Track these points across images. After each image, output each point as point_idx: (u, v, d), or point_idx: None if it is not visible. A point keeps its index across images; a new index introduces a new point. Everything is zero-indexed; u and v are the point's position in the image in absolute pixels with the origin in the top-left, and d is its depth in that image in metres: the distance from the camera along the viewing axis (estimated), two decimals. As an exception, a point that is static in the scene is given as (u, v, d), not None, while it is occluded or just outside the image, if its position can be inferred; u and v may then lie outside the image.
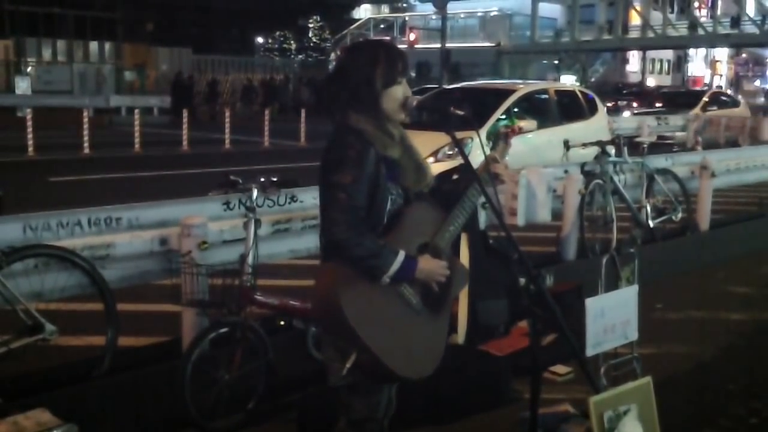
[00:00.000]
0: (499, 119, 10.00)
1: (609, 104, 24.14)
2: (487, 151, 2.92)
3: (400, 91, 2.66)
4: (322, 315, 2.60)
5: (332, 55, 51.19)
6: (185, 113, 19.51)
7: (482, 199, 2.82)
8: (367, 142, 2.58)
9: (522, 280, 2.93)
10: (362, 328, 2.48)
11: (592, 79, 48.43)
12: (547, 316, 2.67)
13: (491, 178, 2.86)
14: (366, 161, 2.55)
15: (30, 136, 15.96)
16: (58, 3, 41.26)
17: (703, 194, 8.66)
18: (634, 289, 3.76)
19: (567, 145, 7.98)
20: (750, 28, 44.31)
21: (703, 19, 48.04)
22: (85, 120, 17.15)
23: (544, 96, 11.37)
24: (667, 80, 58.54)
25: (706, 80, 62.49)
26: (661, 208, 8.14)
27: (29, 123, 16.18)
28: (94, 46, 41.57)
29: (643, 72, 55.41)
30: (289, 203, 5.20)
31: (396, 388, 2.91)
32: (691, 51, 59.02)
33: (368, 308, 2.53)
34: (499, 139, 3.03)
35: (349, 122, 2.62)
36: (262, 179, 4.34)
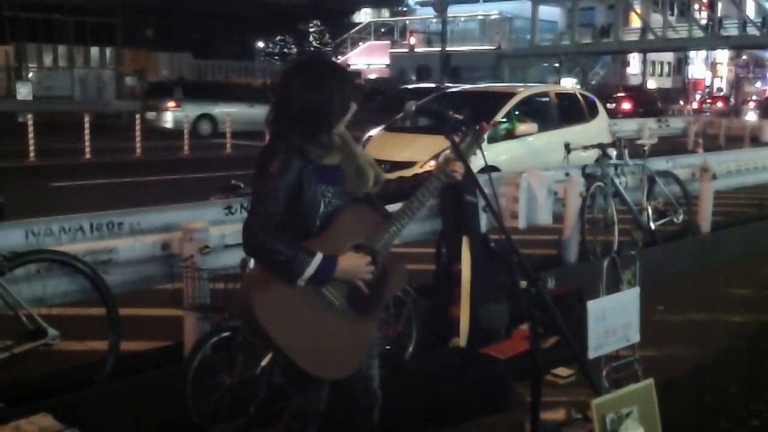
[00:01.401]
0: (499, 122, 10.01)
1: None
2: (486, 154, 2.93)
3: (349, 113, 2.69)
4: (240, 316, 2.69)
5: (332, 59, 51.23)
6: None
7: (482, 203, 2.83)
8: (293, 153, 2.61)
9: (523, 283, 2.92)
10: (275, 329, 2.53)
11: (593, 82, 48.45)
12: (548, 319, 2.67)
13: (446, 176, 2.85)
14: (287, 169, 2.58)
15: (31, 141, 15.98)
16: (59, 9, 41.28)
17: (704, 196, 8.67)
18: (636, 291, 3.76)
19: (568, 148, 7.99)
20: (750, 30, 44.33)
21: (702, 22, 48.04)
22: (86, 125, 17.17)
23: (544, 99, 11.38)
24: (667, 82, 58.59)
25: (707, 82, 62.55)
26: (662, 211, 8.14)
27: (30, 128, 16.20)
28: (94, 51, 41.54)
29: (643, 74, 55.45)
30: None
31: (377, 380, 2.95)
32: (692, 53, 59.00)
33: (284, 310, 2.56)
34: (467, 134, 2.94)
35: (282, 131, 2.65)
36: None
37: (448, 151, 2.93)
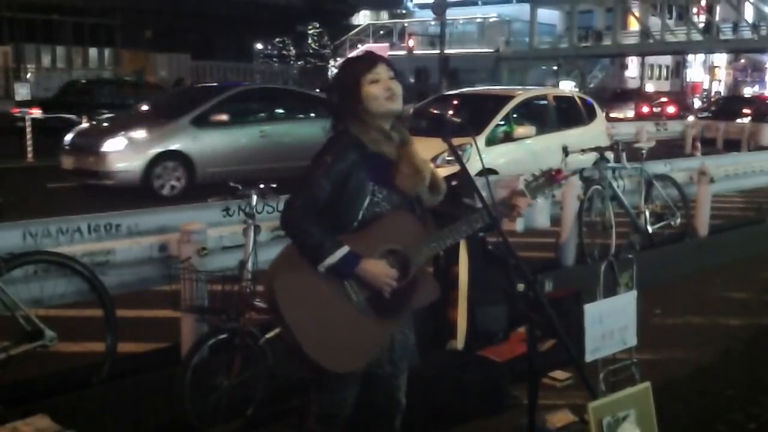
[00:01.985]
0: (498, 125, 10.02)
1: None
2: (484, 158, 2.94)
3: (376, 88, 2.73)
4: (264, 291, 2.77)
5: (331, 62, 51.23)
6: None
7: (479, 205, 2.84)
8: (350, 141, 2.70)
9: (520, 286, 2.93)
10: (289, 308, 2.60)
11: (591, 85, 48.50)
12: (545, 322, 2.68)
13: (508, 209, 2.89)
14: (341, 158, 2.68)
15: (29, 142, 15.95)
16: (57, 10, 41.32)
17: (702, 200, 8.68)
18: (633, 294, 3.76)
19: (566, 151, 8.00)
20: (748, 34, 44.39)
21: (701, 26, 48.10)
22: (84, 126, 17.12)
23: (542, 102, 11.40)
24: (666, 86, 58.63)
25: (705, 86, 62.61)
26: (659, 214, 8.15)
27: (28, 129, 16.16)
28: (93, 52, 41.62)
29: (641, 78, 55.51)
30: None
31: (404, 389, 2.96)
32: (690, 56, 59.07)
33: (302, 291, 2.63)
34: (542, 176, 2.98)
35: (342, 125, 2.77)
36: (262, 185, 4.35)
37: (519, 185, 2.98)
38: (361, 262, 2.63)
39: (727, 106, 27.57)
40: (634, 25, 50.22)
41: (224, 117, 12.14)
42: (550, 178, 2.98)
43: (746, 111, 25.71)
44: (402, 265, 2.73)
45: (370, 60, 2.78)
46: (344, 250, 2.60)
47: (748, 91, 59.80)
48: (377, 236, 2.70)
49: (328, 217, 2.67)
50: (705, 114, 26.13)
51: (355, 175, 2.68)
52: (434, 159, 8.63)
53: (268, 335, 3.95)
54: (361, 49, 52.59)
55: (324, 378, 2.72)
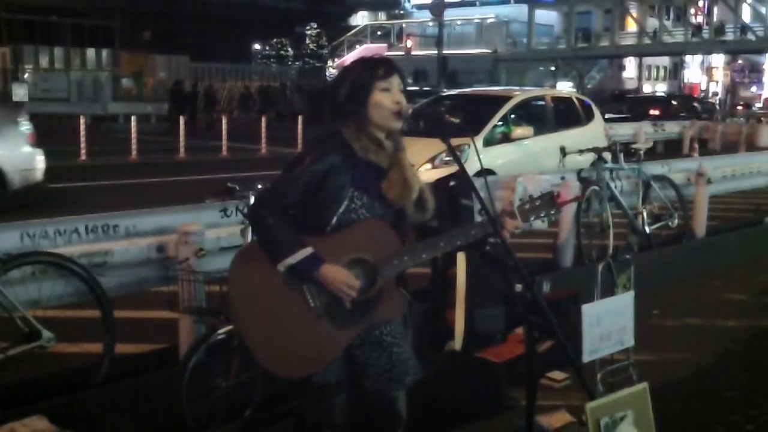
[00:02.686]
0: (496, 126, 10.02)
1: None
2: (482, 158, 2.93)
3: (385, 98, 2.66)
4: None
5: (329, 62, 51.25)
6: (182, 121, 19.52)
7: (478, 206, 2.81)
8: (339, 145, 2.63)
9: (518, 287, 2.91)
10: (241, 306, 2.56)
11: (589, 86, 48.52)
12: (543, 323, 2.67)
13: (494, 223, 2.76)
14: (319, 160, 2.61)
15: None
16: (56, 11, 41.29)
17: (700, 201, 8.69)
18: (631, 295, 3.77)
19: (563, 152, 8.00)
20: (746, 35, 44.43)
21: (700, 27, 48.16)
22: (82, 127, 17.14)
23: (540, 103, 11.40)
24: (663, 87, 58.66)
25: (703, 87, 62.65)
26: (657, 215, 8.15)
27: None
28: (91, 53, 41.51)
29: (639, 79, 55.54)
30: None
31: (402, 401, 2.91)
32: (688, 57, 59.10)
33: (257, 290, 2.57)
34: (540, 198, 2.82)
35: (333, 127, 2.69)
36: (260, 186, 4.35)
37: (510, 207, 2.85)
38: (322, 267, 2.55)
39: (634, 107, 27.21)
40: (632, 26, 50.24)
41: None
42: (549, 203, 2.81)
43: (654, 112, 25.55)
44: (368, 277, 2.63)
45: (388, 67, 2.71)
46: (306, 251, 2.53)
47: (745, 93, 59.91)
48: (347, 243, 2.62)
49: (301, 218, 2.61)
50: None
51: (333, 179, 2.61)
52: (432, 159, 8.64)
53: (221, 331, 3.90)
54: (364, 47, 52.80)
55: (304, 385, 2.66)
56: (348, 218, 2.64)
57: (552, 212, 2.80)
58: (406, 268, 2.71)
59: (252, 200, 2.67)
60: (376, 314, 2.70)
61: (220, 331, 3.96)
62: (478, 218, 5.55)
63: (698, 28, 46.98)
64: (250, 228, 4.14)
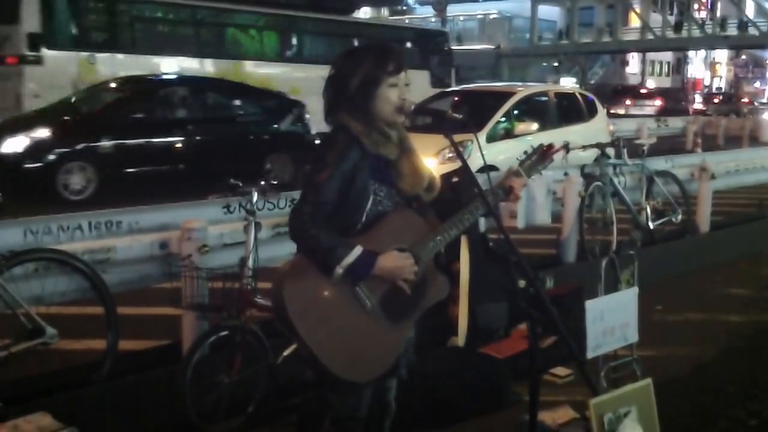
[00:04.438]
0: (498, 122, 10.01)
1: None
2: (486, 154, 2.93)
3: (393, 93, 2.65)
4: (272, 304, 2.64)
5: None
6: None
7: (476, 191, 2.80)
8: (353, 139, 2.61)
9: (521, 283, 2.92)
10: (302, 322, 2.50)
11: (592, 82, 48.48)
12: (547, 319, 2.67)
13: (505, 192, 2.84)
14: (345, 158, 2.58)
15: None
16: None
17: (703, 196, 8.67)
18: (634, 291, 3.76)
19: (567, 148, 7.97)
20: (750, 30, 44.34)
21: (703, 21, 48.09)
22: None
23: (543, 98, 11.38)
24: (666, 82, 58.61)
25: (706, 82, 62.58)
26: (660, 210, 8.14)
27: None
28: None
29: (642, 74, 55.48)
30: (290, 206, 5.20)
31: (393, 391, 2.92)
32: (691, 53, 59.03)
33: (314, 303, 2.54)
34: (534, 153, 2.94)
35: (341, 121, 2.66)
36: (262, 182, 4.35)
37: (519, 165, 2.91)
38: (378, 259, 2.56)
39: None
40: (635, 22, 50.17)
41: None
42: (542, 155, 2.93)
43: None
44: (413, 258, 2.66)
45: (398, 62, 2.68)
46: (358, 249, 2.52)
47: (748, 88, 59.78)
48: (382, 236, 2.63)
49: (333, 222, 2.59)
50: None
51: (359, 176, 2.60)
52: (436, 155, 8.62)
53: (286, 353, 3.90)
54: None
55: (339, 380, 2.62)
56: (375, 212, 2.65)
57: (547, 163, 2.97)
58: (441, 247, 2.75)
59: (281, 203, 2.61)
60: (425, 299, 2.74)
61: (222, 326, 3.98)
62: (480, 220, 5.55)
63: (702, 24, 46.90)
64: (253, 226, 4.15)
